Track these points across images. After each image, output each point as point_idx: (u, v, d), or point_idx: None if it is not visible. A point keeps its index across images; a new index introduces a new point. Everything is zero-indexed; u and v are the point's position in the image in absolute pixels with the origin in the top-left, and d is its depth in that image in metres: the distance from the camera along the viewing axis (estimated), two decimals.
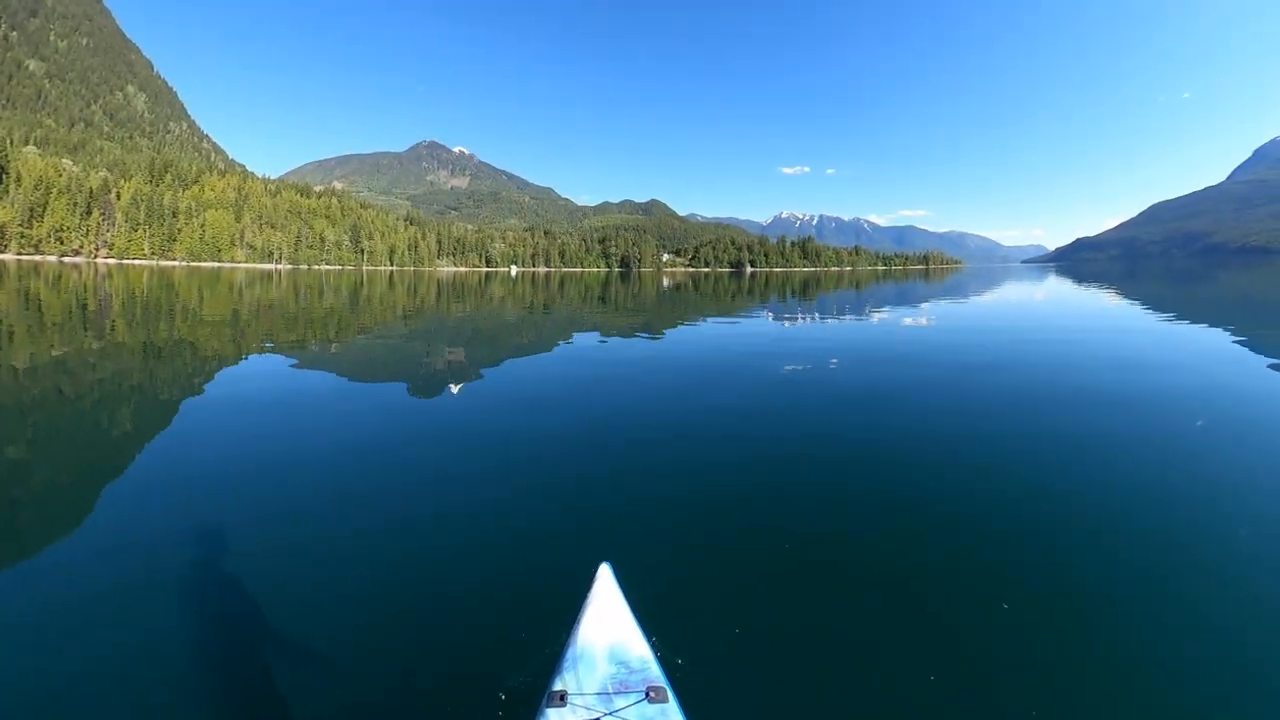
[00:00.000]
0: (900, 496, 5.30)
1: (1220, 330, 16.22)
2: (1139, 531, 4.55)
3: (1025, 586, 3.85)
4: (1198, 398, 8.66)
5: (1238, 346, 13.36)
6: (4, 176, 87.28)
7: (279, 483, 5.49)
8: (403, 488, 5.47)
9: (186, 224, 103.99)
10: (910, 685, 3.06)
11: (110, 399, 8.40)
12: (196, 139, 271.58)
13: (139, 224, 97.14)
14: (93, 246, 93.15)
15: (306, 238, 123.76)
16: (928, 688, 3.01)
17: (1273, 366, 10.89)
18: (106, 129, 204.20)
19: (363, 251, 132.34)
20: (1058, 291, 40.62)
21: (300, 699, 2.89)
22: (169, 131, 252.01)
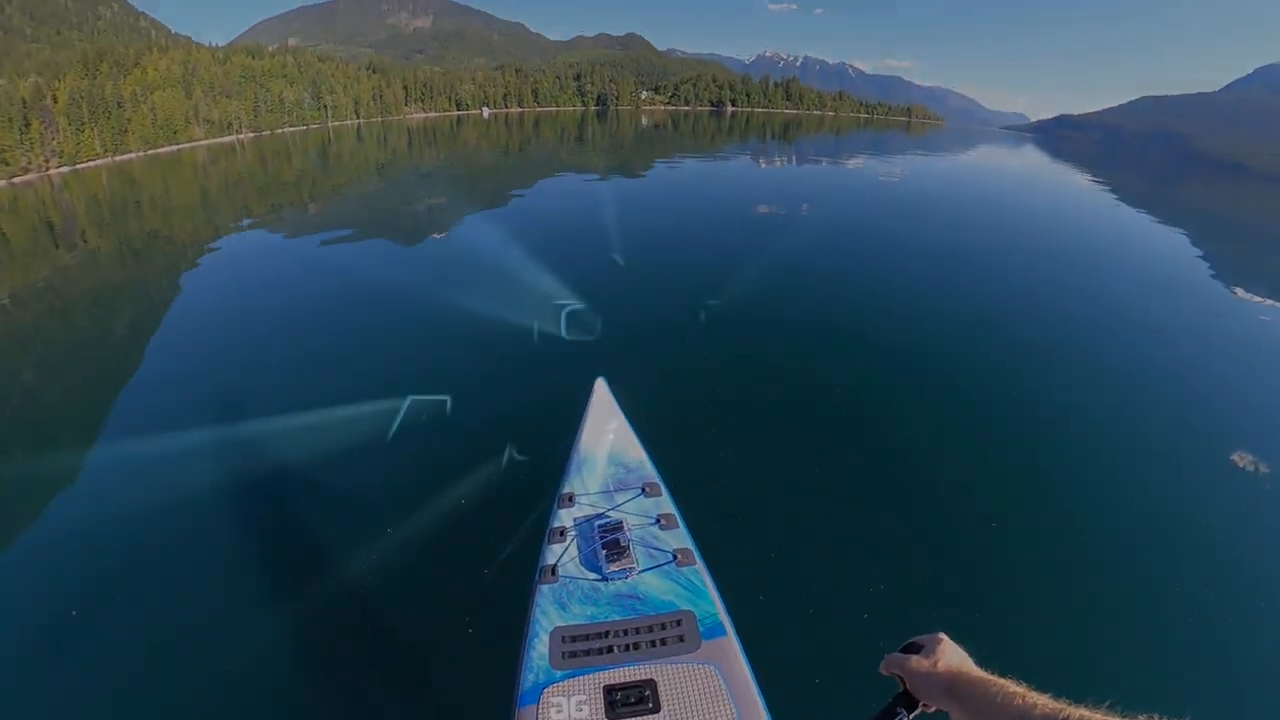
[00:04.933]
0: (848, 321, 6.83)
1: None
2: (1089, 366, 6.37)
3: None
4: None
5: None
6: None
7: (282, 345, 5.81)
8: (409, 330, 5.96)
9: (134, 111, 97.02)
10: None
11: (104, 307, 8.46)
12: (132, 19, 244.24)
13: (84, 123, 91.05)
14: (42, 159, 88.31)
15: (265, 102, 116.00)
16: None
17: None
18: (29, 30, 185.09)
19: (326, 108, 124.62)
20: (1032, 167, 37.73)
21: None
22: (99, 17, 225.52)
